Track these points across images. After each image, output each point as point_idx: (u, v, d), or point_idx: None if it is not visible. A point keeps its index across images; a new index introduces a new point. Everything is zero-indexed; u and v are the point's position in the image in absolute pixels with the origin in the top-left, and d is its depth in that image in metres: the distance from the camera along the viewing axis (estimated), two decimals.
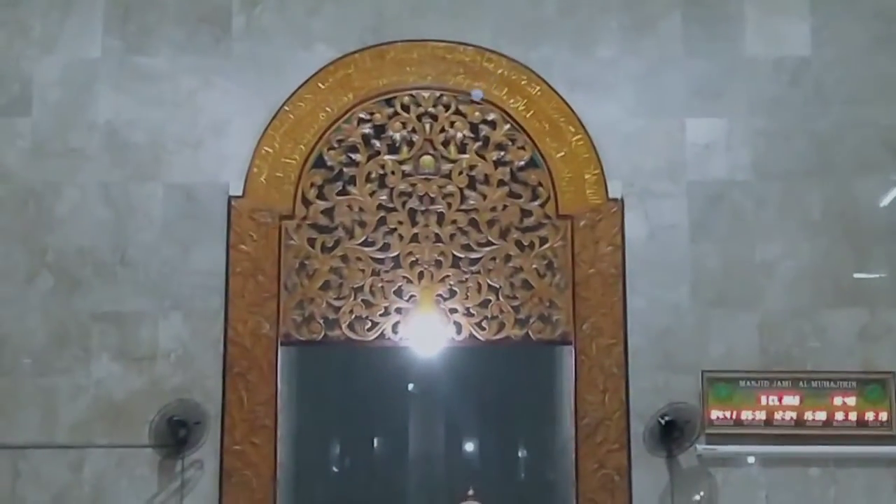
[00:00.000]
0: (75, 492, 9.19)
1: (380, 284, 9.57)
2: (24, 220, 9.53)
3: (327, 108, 9.74)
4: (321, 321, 9.51)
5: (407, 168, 9.72)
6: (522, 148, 9.72)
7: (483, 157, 9.72)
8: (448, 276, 9.59)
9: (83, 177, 9.59)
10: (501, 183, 9.69)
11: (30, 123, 9.65)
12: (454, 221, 9.65)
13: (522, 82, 9.75)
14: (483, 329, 9.54)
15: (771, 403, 9.29)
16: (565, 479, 10.05)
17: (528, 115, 9.74)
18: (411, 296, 9.56)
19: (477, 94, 9.68)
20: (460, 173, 9.71)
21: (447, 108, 9.76)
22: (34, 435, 9.24)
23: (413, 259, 9.62)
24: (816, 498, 9.25)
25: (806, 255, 9.54)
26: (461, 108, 9.76)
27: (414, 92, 9.80)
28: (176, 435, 9.11)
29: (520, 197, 9.68)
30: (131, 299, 9.42)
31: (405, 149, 9.74)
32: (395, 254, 9.61)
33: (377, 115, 9.77)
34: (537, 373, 11.19)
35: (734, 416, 9.30)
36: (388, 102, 9.79)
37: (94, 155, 9.63)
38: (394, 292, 9.56)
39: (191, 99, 9.72)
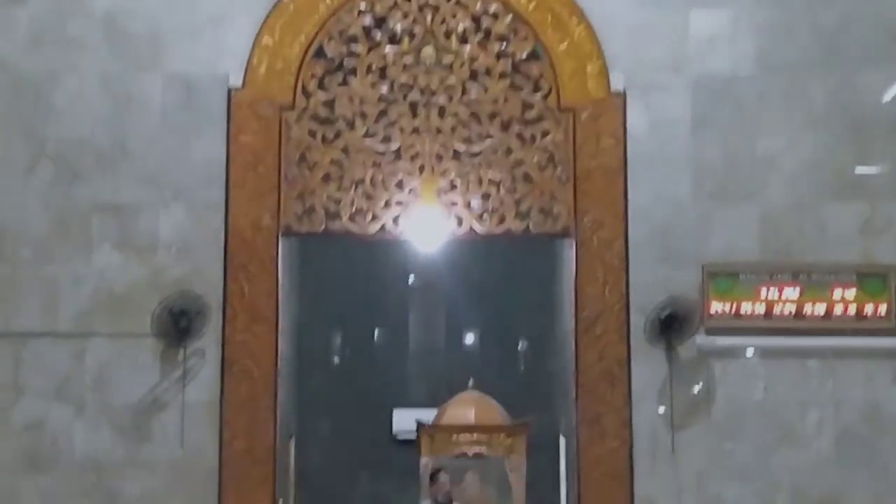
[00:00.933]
0: (78, 380, 9.24)
1: (380, 177, 9.55)
2: (23, 111, 9.48)
3: None
4: (322, 213, 9.50)
5: (408, 59, 9.64)
6: (524, 39, 9.64)
7: (485, 49, 9.64)
8: (449, 169, 9.57)
9: (82, 67, 9.52)
10: (503, 75, 9.63)
11: (27, 13, 9.55)
12: (455, 114, 9.60)
13: None
14: (484, 222, 9.53)
15: (771, 296, 9.31)
16: (565, 371, 10.12)
17: (530, 7, 9.64)
18: (412, 188, 9.54)
19: None
20: (462, 65, 9.64)
21: None
22: (36, 324, 9.27)
23: (414, 152, 9.58)
24: (815, 389, 9.31)
25: (808, 149, 9.50)
26: None
27: None
28: (177, 325, 9.14)
29: (521, 89, 9.62)
30: (131, 190, 9.40)
31: (406, 40, 9.66)
32: (396, 146, 9.57)
33: (378, 6, 9.67)
34: (538, 266, 11.22)
35: (734, 309, 9.32)
36: None
37: (93, 45, 9.54)
38: (395, 185, 9.54)
39: None
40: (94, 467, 9.15)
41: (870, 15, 9.59)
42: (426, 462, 9.93)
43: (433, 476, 9.60)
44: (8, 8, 9.55)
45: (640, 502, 9.18)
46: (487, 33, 9.65)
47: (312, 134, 9.55)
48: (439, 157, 9.57)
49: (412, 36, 9.66)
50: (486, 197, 9.54)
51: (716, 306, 9.32)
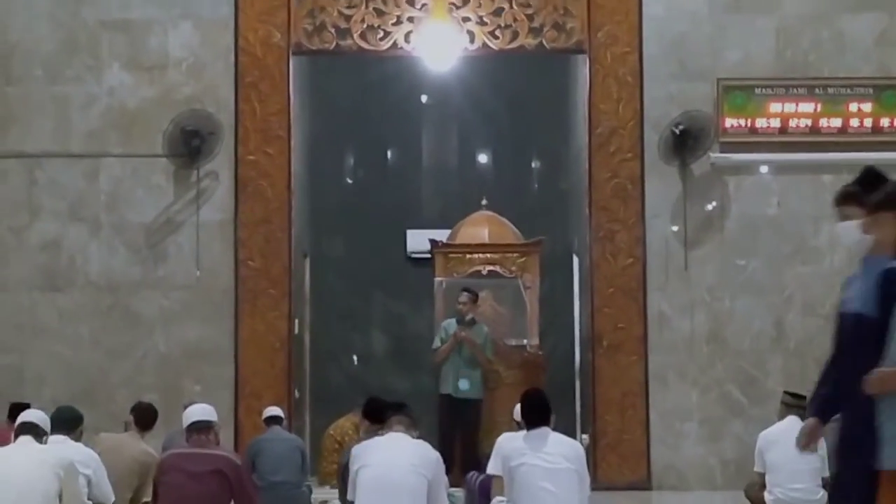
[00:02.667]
0: (91, 199, 9.26)
1: None
2: None
3: None
4: (332, 30, 9.38)
5: None
6: None
7: None
8: None
9: None
10: None
11: None
12: None
13: None
14: (496, 38, 9.40)
15: (786, 111, 9.23)
16: (578, 189, 10.11)
17: None
18: (423, 4, 9.38)
19: None
20: None
21: None
22: (49, 143, 9.26)
23: None
24: (828, 204, 9.20)
25: None
26: None
27: None
28: (189, 145, 9.11)
29: None
30: (140, 6, 9.28)
31: None
32: None
33: None
34: (551, 82, 11.12)
35: (749, 125, 9.26)
36: None
37: None
38: (406, 1, 9.39)
39: None
40: (110, 287, 9.24)
41: None
42: (440, 281, 9.97)
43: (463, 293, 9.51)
44: None
45: (653, 318, 9.25)
46: None
47: None
48: None
49: None
50: (498, 12, 9.39)
51: (730, 121, 9.25)
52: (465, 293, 9.33)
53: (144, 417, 6.98)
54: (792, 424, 6.30)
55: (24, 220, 9.25)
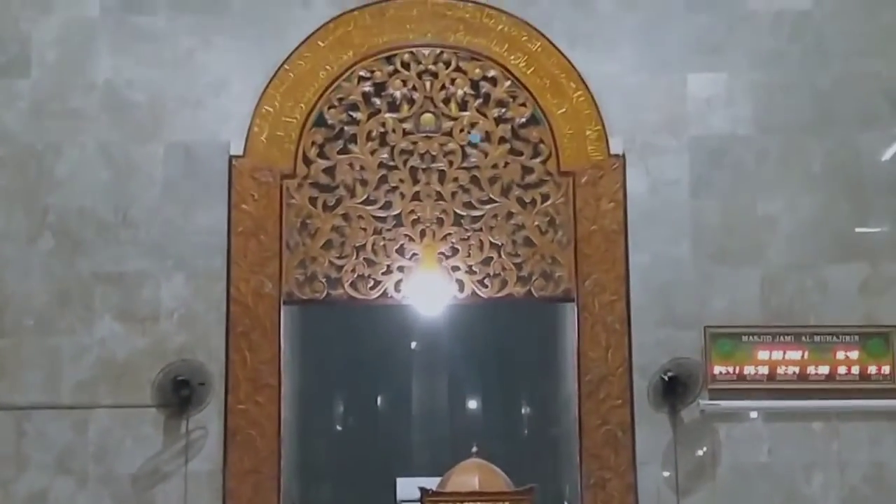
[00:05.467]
0: (80, 451, 9.21)
1: (382, 243, 9.56)
2: (24, 182, 9.51)
3: (327, 67, 9.70)
4: (323, 280, 9.51)
5: (408, 126, 9.69)
6: (523, 104, 9.69)
7: (484, 115, 9.70)
8: (450, 233, 9.58)
9: (83, 137, 9.56)
10: (503, 140, 9.67)
11: (29, 84, 9.62)
12: (455, 179, 9.64)
13: (523, 38, 9.71)
14: (485, 286, 9.53)
15: (773, 358, 9.30)
16: (569, 436, 10.09)
17: (528, 72, 9.70)
18: (413, 254, 9.55)
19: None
20: (461, 130, 9.68)
21: (447, 65, 9.73)
22: (38, 395, 9.25)
23: (415, 217, 9.60)
24: (820, 451, 9.27)
25: (807, 210, 9.53)
26: (461, 65, 9.73)
27: (414, 49, 9.76)
28: (179, 394, 9.12)
29: (521, 154, 9.66)
30: (133, 259, 9.41)
31: (406, 106, 9.72)
32: (397, 212, 9.60)
33: (377, 73, 9.74)
34: (540, 330, 11.21)
35: (737, 371, 9.31)
36: (389, 60, 9.75)
37: (94, 115, 9.59)
38: (396, 251, 9.56)
39: (190, 58, 9.69)
40: None
41: (865, 76, 9.65)
42: None
43: None
44: (10, 79, 9.62)
45: None
46: (486, 98, 9.71)
47: (313, 201, 9.57)
48: (440, 222, 9.60)
49: (412, 102, 9.71)
50: (487, 261, 9.55)
51: (718, 368, 9.30)
52: None
53: None
54: None
55: (11, 473, 9.16)
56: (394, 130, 9.68)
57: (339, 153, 9.64)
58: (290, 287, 9.48)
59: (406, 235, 9.57)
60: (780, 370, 9.29)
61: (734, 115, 9.64)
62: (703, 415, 9.25)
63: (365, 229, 9.57)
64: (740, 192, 9.55)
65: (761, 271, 9.44)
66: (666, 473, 9.21)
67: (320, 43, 9.70)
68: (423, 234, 9.58)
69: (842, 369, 9.28)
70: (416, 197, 9.61)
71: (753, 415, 9.32)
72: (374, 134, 9.67)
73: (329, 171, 9.62)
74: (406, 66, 9.74)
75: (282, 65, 9.65)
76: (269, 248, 9.45)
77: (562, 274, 9.52)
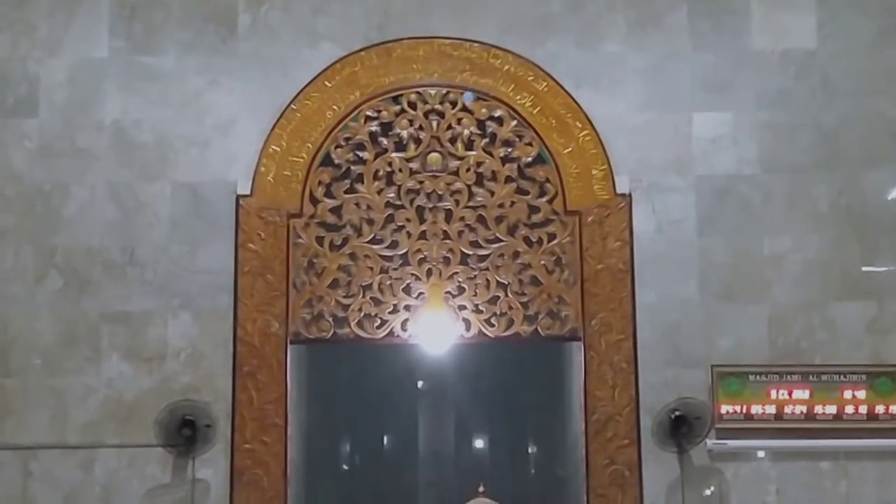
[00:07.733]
0: (86, 492, 9.21)
1: (388, 282, 9.57)
2: (32, 221, 9.54)
3: (334, 107, 9.74)
4: (330, 319, 9.51)
5: (414, 165, 9.72)
6: (529, 144, 9.72)
7: (490, 154, 9.72)
8: (456, 272, 9.59)
9: (91, 177, 9.60)
10: (509, 179, 9.69)
11: (37, 124, 9.66)
12: (462, 218, 9.65)
13: (529, 78, 9.75)
14: (492, 326, 9.54)
15: (781, 397, 9.28)
16: (575, 475, 10.06)
17: (534, 111, 9.74)
18: (420, 293, 9.56)
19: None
20: (468, 170, 9.71)
21: (454, 105, 9.77)
22: (45, 435, 9.26)
23: (421, 256, 9.62)
24: (828, 492, 9.24)
25: (814, 249, 9.53)
26: (468, 105, 9.77)
27: (420, 89, 9.80)
28: (183, 434, 9.09)
29: (527, 193, 9.68)
30: (140, 299, 9.43)
31: (412, 146, 9.75)
32: (404, 251, 9.61)
33: (384, 113, 9.77)
34: (546, 369, 11.20)
35: (744, 411, 9.29)
36: (395, 100, 9.79)
37: (102, 155, 9.63)
38: (402, 290, 9.56)
39: (197, 98, 9.73)
40: None
41: (870, 115, 9.67)
42: None
43: None
44: (19, 119, 9.66)
45: None
46: (493, 138, 9.74)
47: (320, 240, 9.59)
48: (447, 261, 9.61)
49: (418, 142, 9.75)
50: (494, 300, 9.56)
51: (726, 407, 9.28)
52: None
53: None
54: None
55: None
56: (400, 170, 9.70)
57: (345, 192, 9.67)
58: (297, 326, 9.48)
59: (412, 274, 9.58)
60: (788, 409, 9.27)
61: (740, 155, 9.66)
62: (711, 454, 9.24)
63: (371, 268, 9.58)
64: (747, 231, 9.56)
65: (768, 310, 9.44)
66: None
67: (327, 83, 9.75)
68: (429, 273, 9.59)
69: (849, 408, 9.25)
70: (422, 236, 9.63)
71: (761, 454, 9.30)
72: (380, 173, 9.69)
73: (336, 210, 9.64)
74: (413, 105, 9.78)
75: (289, 104, 9.69)
76: (275, 288, 9.46)
77: (568, 313, 9.52)
